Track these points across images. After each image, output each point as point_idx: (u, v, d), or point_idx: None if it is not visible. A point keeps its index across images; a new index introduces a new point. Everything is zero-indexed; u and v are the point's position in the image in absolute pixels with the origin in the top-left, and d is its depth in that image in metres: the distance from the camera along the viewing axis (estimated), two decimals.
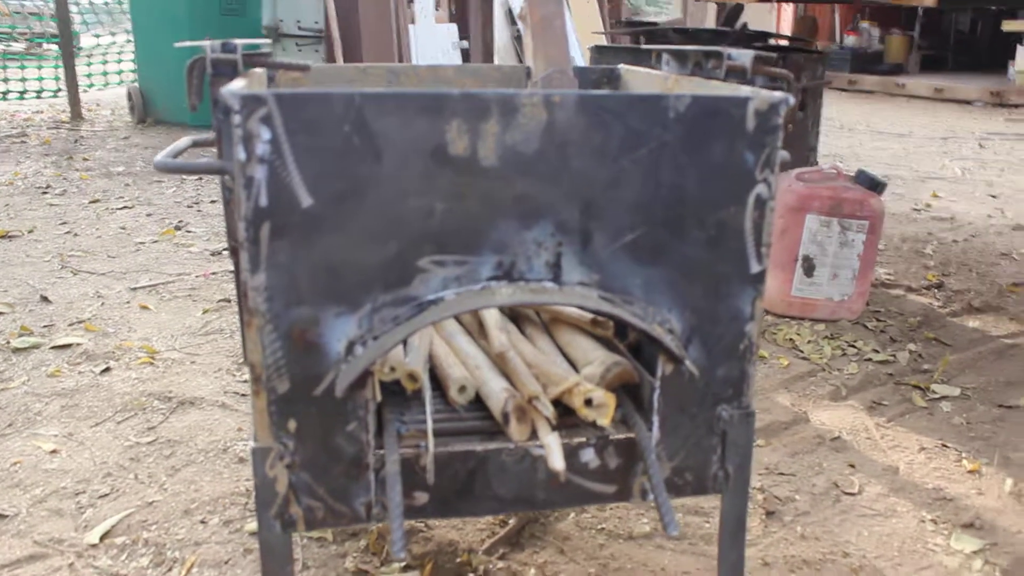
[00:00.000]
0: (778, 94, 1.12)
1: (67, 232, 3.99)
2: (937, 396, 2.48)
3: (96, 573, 1.62)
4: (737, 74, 1.43)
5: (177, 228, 4.10)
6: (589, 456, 1.20)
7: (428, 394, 1.18)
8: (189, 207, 4.56)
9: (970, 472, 2.07)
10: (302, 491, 1.15)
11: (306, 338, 1.09)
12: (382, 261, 1.08)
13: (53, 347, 2.64)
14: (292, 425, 1.13)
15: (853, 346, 2.81)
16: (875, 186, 2.95)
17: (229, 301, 3.10)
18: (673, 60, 1.58)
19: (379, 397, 1.19)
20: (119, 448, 2.05)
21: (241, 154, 1.01)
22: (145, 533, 1.73)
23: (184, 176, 5.23)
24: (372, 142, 1.04)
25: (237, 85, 1.15)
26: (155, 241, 3.87)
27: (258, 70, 1.44)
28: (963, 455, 2.14)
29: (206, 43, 1.27)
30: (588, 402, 1.16)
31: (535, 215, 1.11)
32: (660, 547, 1.71)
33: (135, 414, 2.23)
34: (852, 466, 2.09)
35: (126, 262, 3.53)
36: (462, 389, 1.24)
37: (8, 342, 2.65)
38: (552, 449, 1.12)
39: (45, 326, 2.81)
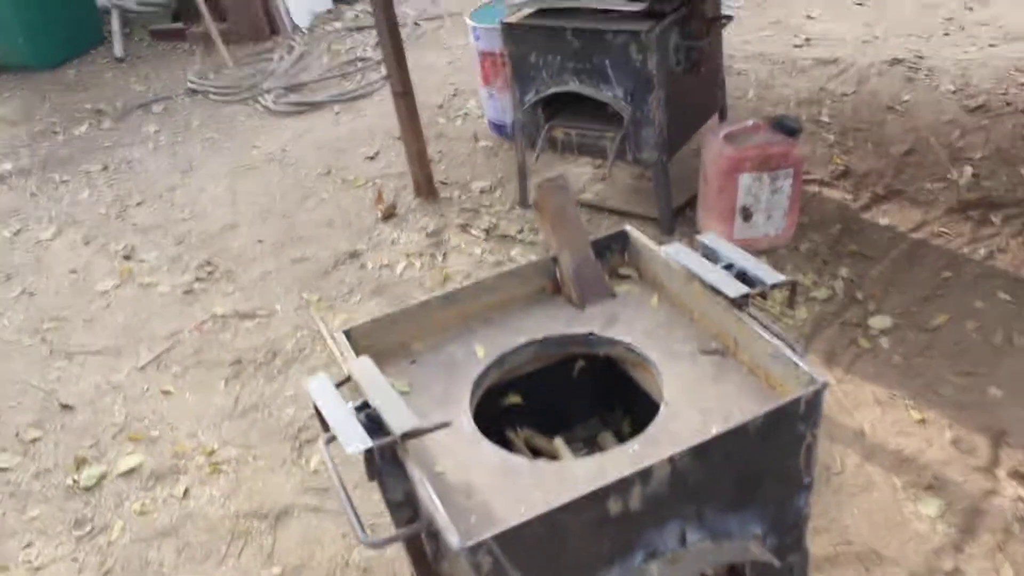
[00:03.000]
0: (820, 384, 1.53)
1: (21, 293, 4.03)
2: (876, 332, 3.02)
3: None
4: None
5: (127, 259, 4.19)
6: None
7: None
8: (117, 217, 4.59)
9: (918, 422, 2.65)
10: None
11: None
12: None
13: (120, 474, 2.91)
14: None
15: (797, 282, 3.30)
16: (793, 132, 3.34)
17: (240, 362, 3.35)
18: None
19: None
20: None
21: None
22: None
23: (84, 167, 5.16)
24: (559, 533, 1.42)
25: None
26: (116, 286, 3.98)
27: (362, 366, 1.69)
28: (909, 404, 2.72)
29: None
30: None
31: (667, 518, 1.53)
32: None
33: (244, 542, 2.60)
34: (831, 438, 2.64)
35: (107, 328, 3.67)
36: None
37: (75, 481, 2.90)
38: None
39: (91, 446, 3.05)
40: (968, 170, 3.81)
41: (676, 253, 1.89)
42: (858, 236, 3.51)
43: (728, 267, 1.79)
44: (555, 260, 2.01)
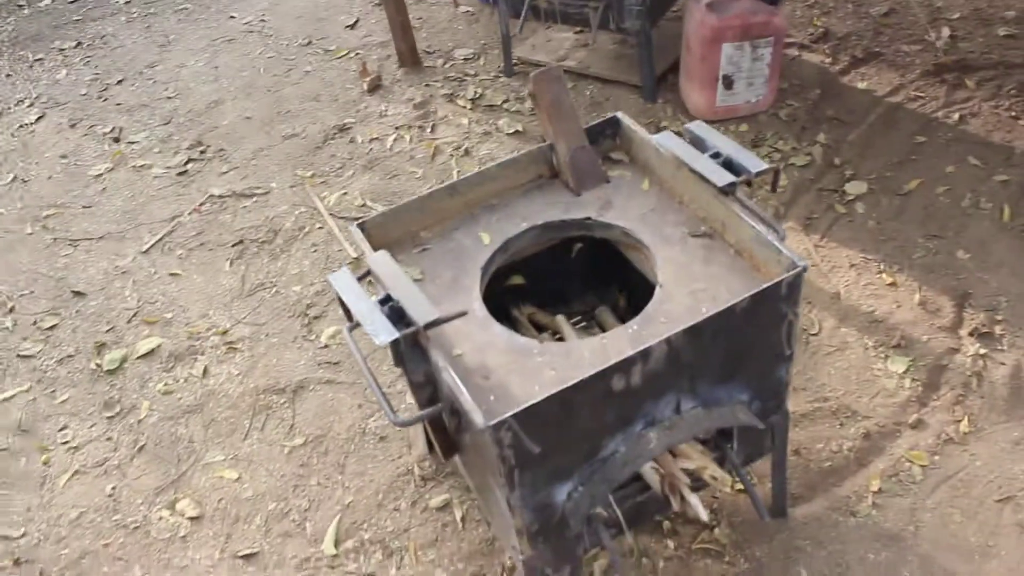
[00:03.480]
0: (800, 268, 1.70)
1: (13, 180, 4.09)
2: (852, 197, 3.19)
3: None
4: None
5: (116, 141, 4.24)
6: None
7: None
8: (100, 98, 4.59)
9: (890, 285, 2.85)
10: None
11: (544, 502, 1.73)
12: (581, 452, 1.70)
13: (139, 357, 3.09)
14: (541, 544, 1.80)
15: (776, 149, 3.44)
16: (774, 0, 3.39)
17: (242, 242, 3.48)
18: None
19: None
20: (282, 458, 2.67)
21: (499, 450, 1.57)
22: (364, 533, 2.43)
23: (57, 43, 5.09)
24: (570, 409, 1.61)
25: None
26: (110, 170, 4.04)
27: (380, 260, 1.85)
28: (882, 267, 2.91)
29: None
30: (713, 477, 1.87)
31: (663, 391, 1.72)
32: None
33: (266, 416, 2.80)
34: (809, 302, 2.85)
35: (107, 213, 3.76)
36: None
37: (99, 365, 3.07)
38: (698, 507, 1.84)
39: (108, 331, 3.21)
40: (946, 31, 3.88)
41: (666, 141, 2.01)
42: (836, 101, 3.61)
43: (715, 155, 1.91)
44: (552, 148, 2.12)
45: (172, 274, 3.36)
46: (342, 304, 1.78)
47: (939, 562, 2.17)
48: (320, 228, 3.43)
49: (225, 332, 3.06)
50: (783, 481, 2.20)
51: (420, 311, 1.64)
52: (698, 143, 1.96)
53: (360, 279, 1.79)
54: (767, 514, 2.06)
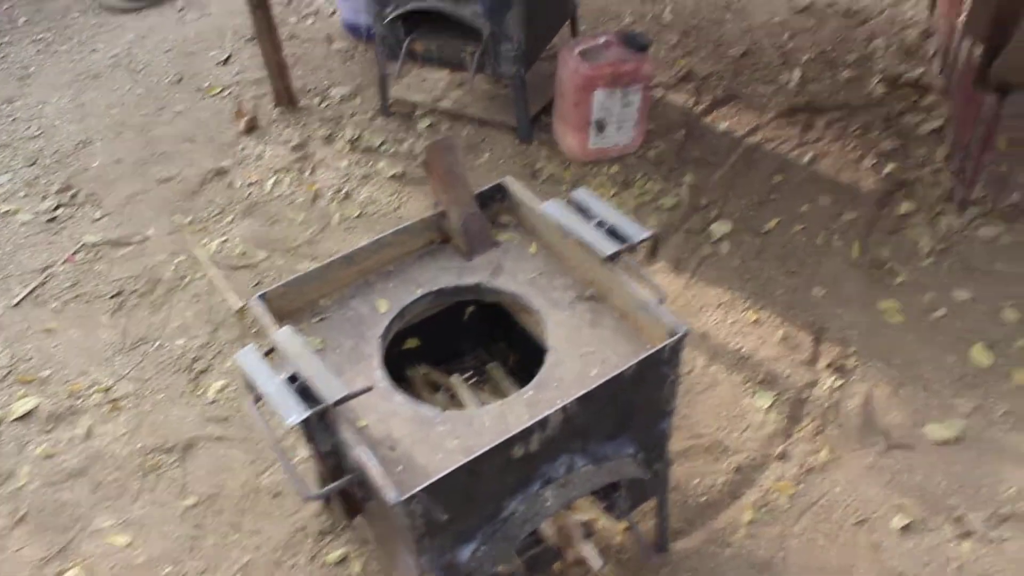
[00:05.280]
0: (681, 333, 1.85)
1: None
2: (717, 237, 3.41)
3: None
4: None
5: None
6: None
7: None
8: None
9: (754, 323, 3.08)
10: None
11: (450, 563, 1.82)
12: (484, 514, 1.79)
13: (15, 419, 3.00)
14: None
15: (646, 191, 3.64)
16: (643, 47, 3.59)
17: (121, 293, 3.43)
18: None
19: None
20: (175, 520, 2.66)
21: (409, 521, 1.65)
22: None
23: None
24: (475, 477, 1.70)
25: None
26: None
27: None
28: (747, 304, 3.13)
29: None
30: (604, 527, 2.00)
31: (559, 452, 1.85)
32: None
33: (156, 476, 2.78)
34: None
35: None
36: None
37: None
38: (592, 556, 1.97)
39: None
40: (796, 73, 4.18)
41: (551, 210, 2.13)
42: (700, 141, 3.85)
43: (599, 224, 2.05)
44: (443, 215, 2.21)
45: (47, 329, 3.27)
46: (247, 381, 1.82)
47: None
48: (201, 278, 3.41)
49: (108, 389, 3.01)
50: (665, 519, 2.36)
51: (328, 388, 1.71)
52: (583, 210, 2.09)
53: (266, 355, 1.83)
54: (652, 554, 2.21)
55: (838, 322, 3.03)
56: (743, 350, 2.95)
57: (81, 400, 2.98)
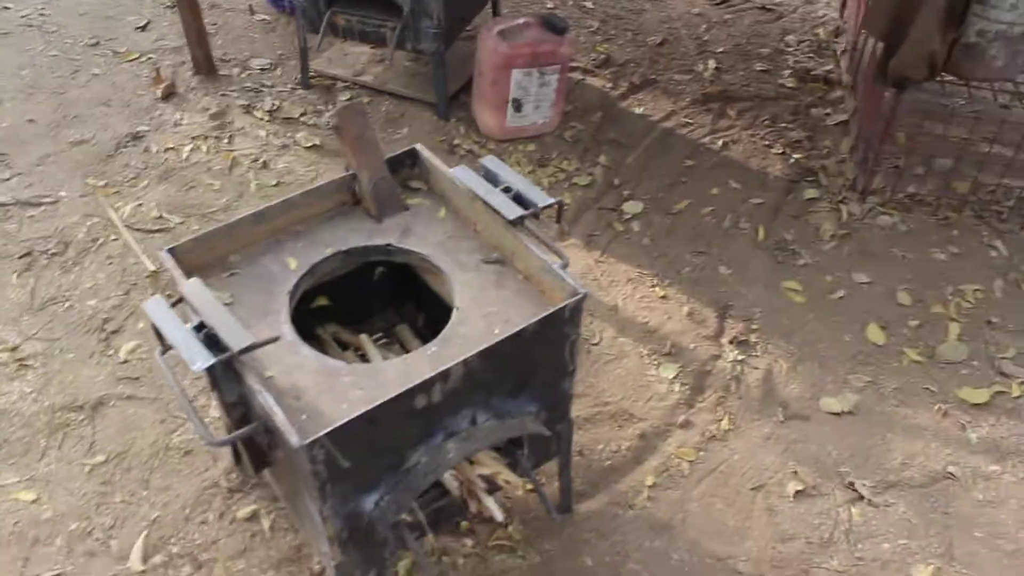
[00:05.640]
0: (581, 295, 1.94)
1: None
2: (629, 216, 3.52)
3: None
4: None
5: None
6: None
7: None
8: None
9: (662, 298, 3.19)
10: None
11: (353, 511, 1.88)
12: (386, 463, 1.85)
13: None
14: (351, 550, 1.95)
15: (561, 169, 3.73)
16: (561, 31, 3.67)
17: (30, 253, 3.38)
18: None
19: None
20: (82, 477, 2.65)
21: (312, 466, 1.70)
22: (172, 547, 2.46)
23: None
24: (377, 426, 1.76)
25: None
26: None
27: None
28: (655, 281, 3.25)
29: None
30: (506, 481, 2.08)
31: (462, 406, 1.92)
32: None
33: (64, 435, 2.76)
34: (591, 314, 3.13)
35: None
36: None
37: None
38: (494, 508, 2.05)
39: None
40: (712, 63, 4.31)
41: (461, 175, 2.20)
42: (616, 124, 3.95)
43: (506, 190, 2.12)
44: (354, 177, 2.26)
45: None
46: (155, 331, 1.84)
47: (704, 545, 2.49)
48: (115, 240, 3.38)
49: (15, 348, 2.98)
50: (568, 480, 2.45)
51: (234, 337, 1.74)
52: (491, 177, 2.16)
53: (172, 305, 1.85)
54: (555, 511, 2.29)
55: (742, 300, 3.16)
56: (650, 324, 3.06)
57: None
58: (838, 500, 2.59)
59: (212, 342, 1.75)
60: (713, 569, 2.40)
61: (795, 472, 2.65)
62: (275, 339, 1.80)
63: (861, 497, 2.59)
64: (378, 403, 1.69)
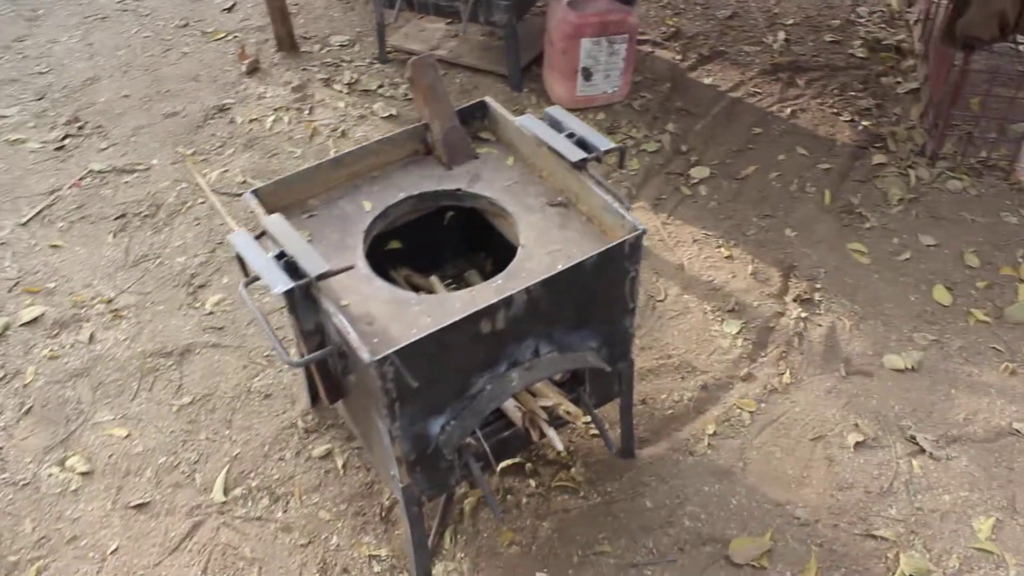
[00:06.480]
0: (640, 231, 2.02)
1: None
2: (696, 180, 3.57)
3: (243, 521, 2.54)
4: None
5: None
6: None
7: None
8: None
9: (727, 258, 3.24)
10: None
11: (420, 433, 1.99)
12: (452, 388, 1.96)
13: (22, 324, 3.17)
14: (418, 473, 2.07)
15: (630, 136, 3.80)
16: (629, 0, 3.74)
17: (124, 215, 3.59)
18: None
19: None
20: (171, 416, 2.83)
21: (382, 383, 1.82)
22: (251, 481, 2.62)
23: None
24: (444, 349, 1.87)
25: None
26: None
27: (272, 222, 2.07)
28: (720, 242, 3.30)
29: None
30: (567, 412, 2.17)
31: (524, 336, 2.01)
32: None
33: (154, 378, 2.95)
34: (656, 272, 3.20)
35: None
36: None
37: None
38: (555, 438, 2.14)
39: None
40: (781, 35, 4.32)
41: (527, 122, 2.29)
42: (685, 94, 4.00)
43: (570, 136, 2.21)
44: (426, 127, 2.37)
45: (53, 246, 3.43)
46: (240, 260, 1.98)
47: (762, 491, 2.54)
48: (202, 203, 3.57)
49: (110, 301, 3.17)
50: (630, 425, 2.52)
51: (312, 264, 1.87)
52: (555, 125, 2.25)
53: (256, 239, 1.99)
54: (615, 448, 2.37)
55: (807, 261, 3.19)
56: (715, 282, 3.11)
57: (85, 310, 3.14)
58: (899, 452, 2.61)
59: (292, 270, 1.88)
60: (771, 514, 2.45)
61: (856, 425, 2.68)
62: (350, 267, 1.93)
63: (923, 450, 2.61)
64: (445, 324, 1.80)
